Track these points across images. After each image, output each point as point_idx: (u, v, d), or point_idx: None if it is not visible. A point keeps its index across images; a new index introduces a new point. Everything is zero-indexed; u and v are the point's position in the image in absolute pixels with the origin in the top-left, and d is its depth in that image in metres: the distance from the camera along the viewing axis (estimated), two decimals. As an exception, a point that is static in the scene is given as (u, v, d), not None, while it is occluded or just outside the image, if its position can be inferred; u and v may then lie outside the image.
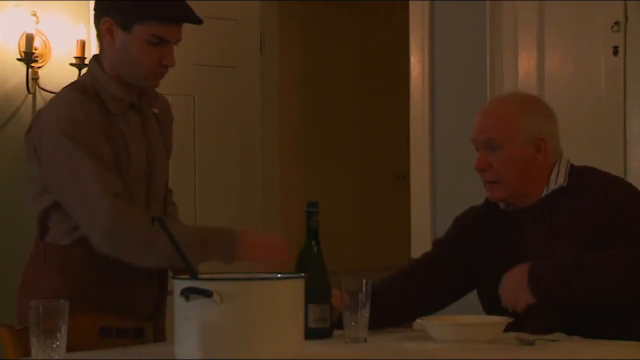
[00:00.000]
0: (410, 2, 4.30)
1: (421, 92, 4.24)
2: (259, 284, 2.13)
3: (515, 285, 2.50)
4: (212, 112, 4.85)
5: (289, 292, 2.12)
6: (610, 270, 2.49)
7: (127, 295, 2.58)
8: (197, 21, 2.65)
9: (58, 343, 2.08)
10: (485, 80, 4.07)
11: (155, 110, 2.75)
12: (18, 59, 4.47)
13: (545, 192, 2.63)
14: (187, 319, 2.06)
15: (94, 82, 2.63)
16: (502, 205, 2.71)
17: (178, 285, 2.07)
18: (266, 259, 2.49)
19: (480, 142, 2.64)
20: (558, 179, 2.63)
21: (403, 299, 2.71)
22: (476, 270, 2.70)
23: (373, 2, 5.64)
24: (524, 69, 4.01)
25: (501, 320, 2.47)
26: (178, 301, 2.06)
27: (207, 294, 2.01)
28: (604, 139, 3.76)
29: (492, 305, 2.61)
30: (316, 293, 2.45)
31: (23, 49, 4.46)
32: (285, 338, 2.09)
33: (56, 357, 2.08)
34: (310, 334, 2.35)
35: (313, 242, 2.55)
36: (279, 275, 2.23)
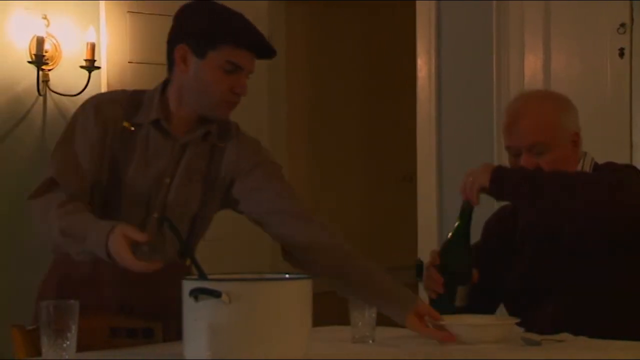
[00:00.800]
0: (417, 2, 4.31)
1: (427, 93, 4.25)
2: (268, 285, 2.15)
3: (478, 170, 2.53)
4: (220, 114, 4.86)
5: (297, 292, 2.13)
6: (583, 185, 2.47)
7: (131, 295, 2.59)
8: (270, 52, 2.64)
9: (68, 343, 2.10)
10: (491, 81, 4.08)
11: (220, 144, 2.69)
12: (29, 62, 4.49)
13: None
14: (196, 319, 2.07)
15: (149, 94, 2.65)
16: None
17: (187, 285, 2.08)
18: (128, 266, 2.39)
19: (524, 147, 2.62)
20: None
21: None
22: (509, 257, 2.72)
23: (380, 2, 5.65)
24: (530, 70, 4.01)
25: (509, 320, 2.48)
26: (187, 301, 2.07)
27: (215, 294, 2.03)
28: (610, 141, 3.74)
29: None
30: (465, 275, 2.57)
31: (34, 51, 4.48)
32: (293, 338, 2.10)
33: (66, 357, 2.10)
34: (452, 312, 2.51)
35: (466, 226, 2.58)
36: (287, 276, 2.25)
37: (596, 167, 2.68)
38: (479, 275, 2.64)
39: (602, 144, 3.77)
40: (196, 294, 2.05)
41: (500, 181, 2.47)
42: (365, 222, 5.64)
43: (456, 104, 4.20)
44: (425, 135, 4.25)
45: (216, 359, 2.04)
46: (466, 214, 2.57)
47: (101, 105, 2.61)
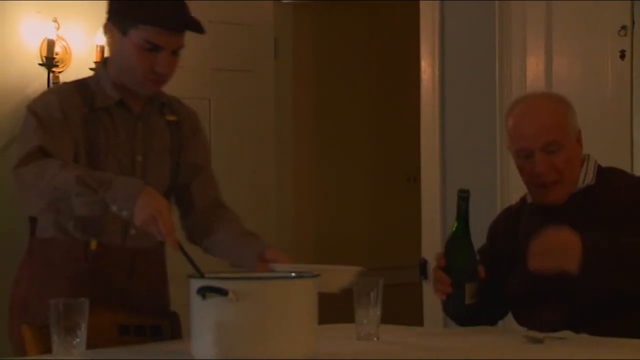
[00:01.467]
0: (420, 4, 4.32)
1: (431, 94, 4.25)
2: (274, 283, 2.16)
3: (562, 245, 2.40)
4: (227, 115, 4.89)
5: (304, 291, 2.13)
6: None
7: (103, 288, 2.57)
8: (198, 29, 2.61)
9: (78, 340, 2.11)
10: (494, 83, 4.08)
11: (171, 118, 2.72)
12: (40, 64, 4.51)
13: (575, 190, 2.63)
14: (203, 317, 2.08)
15: (93, 81, 2.65)
16: (529, 200, 2.71)
17: (194, 284, 2.09)
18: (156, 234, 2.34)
19: (538, 147, 2.60)
20: (586, 178, 2.63)
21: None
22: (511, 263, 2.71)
23: (384, 5, 5.66)
24: (532, 71, 4.01)
25: (352, 268, 2.45)
26: (194, 300, 2.08)
27: (223, 292, 2.04)
28: (611, 142, 3.73)
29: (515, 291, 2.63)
30: (471, 272, 2.57)
31: (44, 54, 4.50)
32: (299, 336, 2.11)
33: (76, 355, 2.11)
34: (465, 310, 2.52)
35: (465, 224, 2.59)
36: (294, 275, 2.26)
37: (600, 170, 2.67)
38: (486, 275, 2.64)
39: (603, 145, 3.76)
40: (203, 292, 2.06)
41: (589, 269, 2.40)
42: (369, 222, 5.65)
43: (459, 105, 4.21)
44: (429, 136, 4.26)
45: (223, 357, 2.05)
46: (463, 212, 2.58)
47: (61, 95, 2.58)
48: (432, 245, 4.14)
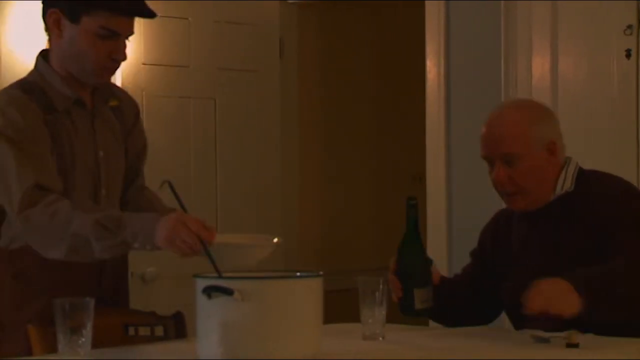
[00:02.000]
0: (426, 3, 4.32)
1: (437, 94, 4.26)
2: (280, 283, 2.17)
3: (554, 295, 2.34)
4: (232, 115, 4.89)
5: (309, 290, 2.14)
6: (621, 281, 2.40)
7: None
8: (149, 14, 2.52)
9: (84, 339, 2.11)
10: (499, 83, 4.07)
11: (113, 103, 2.64)
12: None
13: (552, 196, 2.62)
14: (209, 317, 2.09)
15: (39, 79, 2.54)
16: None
17: (200, 283, 2.10)
18: (181, 248, 2.28)
19: (496, 157, 2.61)
20: (565, 184, 2.62)
21: (460, 309, 2.73)
22: (501, 266, 2.71)
23: (390, 5, 5.66)
24: (537, 71, 4.01)
25: (267, 241, 2.43)
26: (200, 299, 2.09)
27: (228, 292, 2.04)
28: (617, 142, 3.73)
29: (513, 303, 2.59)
30: (419, 278, 2.60)
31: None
32: (304, 336, 2.12)
33: (82, 354, 2.11)
34: (417, 314, 2.56)
35: (413, 231, 2.64)
36: (299, 274, 2.27)
37: (580, 174, 2.64)
38: (442, 278, 2.69)
39: (608, 144, 3.78)
40: (209, 291, 2.07)
41: (588, 310, 2.34)
42: (375, 222, 5.65)
43: (465, 105, 4.21)
44: (435, 136, 4.26)
45: (228, 357, 2.06)
46: (412, 219, 2.63)
47: (19, 106, 2.46)
48: (437, 245, 4.14)
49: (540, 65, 4.00)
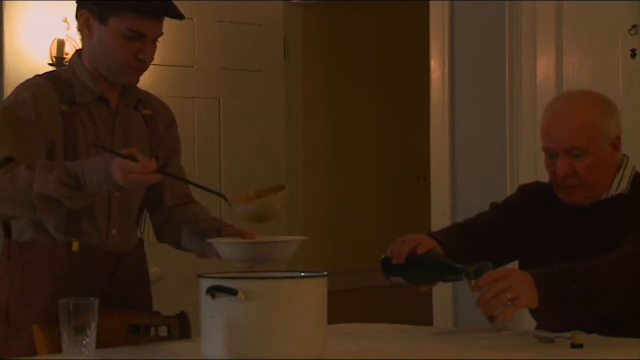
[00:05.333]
0: (430, 3, 4.32)
1: (441, 94, 4.26)
2: (283, 283, 2.16)
3: (513, 284, 2.29)
4: (237, 115, 4.89)
5: (313, 290, 2.14)
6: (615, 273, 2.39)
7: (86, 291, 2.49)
8: (178, 15, 2.55)
9: (88, 340, 2.12)
10: (504, 82, 4.08)
11: (145, 112, 2.67)
12: (49, 64, 4.52)
13: (606, 195, 2.60)
14: (213, 317, 2.09)
15: (69, 73, 2.58)
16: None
17: (204, 283, 2.10)
18: (141, 183, 2.34)
19: (562, 149, 2.56)
20: (620, 185, 2.60)
21: (454, 258, 2.55)
22: (522, 243, 2.67)
23: (395, 5, 5.66)
24: (542, 71, 4.01)
25: (295, 238, 2.45)
26: (204, 299, 2.09)
27: (232, 292, 2.04)
28: (624, 142, 3.73)
29: None
30: (414, 281, 2.54)
31: (54, 54, 4.51)
32: (309, 337, 2.12)
33: (86, 354, 2.11)
34: (390, 280, 2.53)
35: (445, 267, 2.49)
36: (303, 274, 2.26)
37: (636, 177, 2.61)
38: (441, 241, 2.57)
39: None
40: (213, 291, 2.07)
41: (549, 299, 2.31)
42: (379, 222, 5.65)
43: (469, 105, 4.21)
44: (439, 136, 4.27)
45: (232, 357, 2.06)
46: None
47: (36, 94, 2.51)
48: (441, 245, 4.14)
49: (544, 65, 4.00)
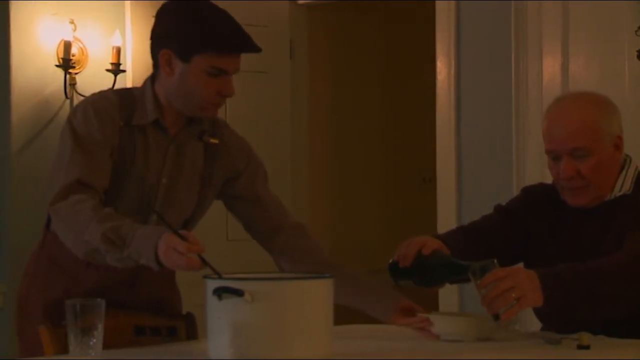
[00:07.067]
0: (436, 3, 4.33)
1: (447, 95, 4.26)
2: (290, 284, 2.17)
3: (518, 283, 2.28)
4: (243, 117, 4.89)
5: (319, 292, 2.14)
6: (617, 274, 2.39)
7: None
8: (256, 49, 2.60)
9: (95, 341, 2.12)
10: (510, 83, 4.08)
11: (213, 141, 2.67)
12: (56, 65, 4.53)
13: (609, 196, 2.59)
14: (219, 318, 2.09)
15: (138, 93, 2.62)
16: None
17: (210, 284, 2.10)
18: (181, 266, 2.27)
19: (566, 151, 2.56)
20: (624, 186, 2.59)
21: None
22: (526, 245, 2.67)
23: (400, 6, 5.67)
24: (548, 72, 4.01)
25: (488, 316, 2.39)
26: (210, 300, 2.09)
27: (238, 293, 2.05)
28: (628, 142, 3.73)
29: None
30: (418, 281, 2.55)
31: (61, 55, 4.52)
32: (315, 338, 2.12)
33: (93, 355, 2.11)
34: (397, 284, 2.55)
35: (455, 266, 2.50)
36: (309, 276, 2.27)
37: (639, 178, 2.61)
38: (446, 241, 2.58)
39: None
40: (219, 292, 2.08)
41: (554, 298, 2.31)
42: (384, 224, 5.66)
43: (475, 106, 4.21)
44: (445, 137, 4.27)
45: (239, 358, 2.06)
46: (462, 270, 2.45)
47: (99, 109, 2.55)
48: (447, 246, 4.14)
49: (550, 66, 4.00)
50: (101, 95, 2.63)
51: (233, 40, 2.56)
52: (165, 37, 2.57)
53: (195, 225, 2.73)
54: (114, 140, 2.55)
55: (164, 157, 2.61)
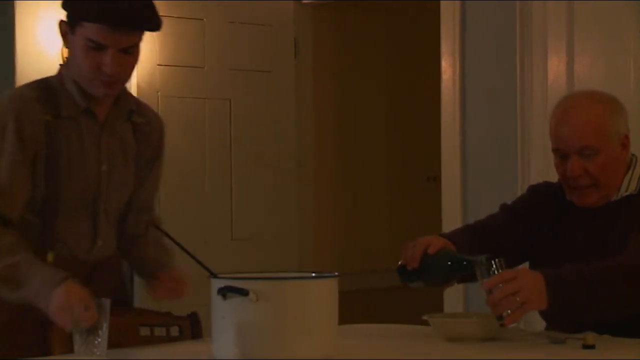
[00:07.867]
0: (441, 3, 4.33)
1: (452, 94, 4.26)
2: (295, 283, 2.17)
3: (523, 287, 2.27)
4: (247, 116, 4.90)
5: (324, 291, 2.14)
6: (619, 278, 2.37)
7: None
8: (148, 27, 2.46)
9: (100, 340, 2.13)
10: (515, 83, 4.07)
11: (140, 119, 2.61)
12: (61, 65, 4.53)
13: (615, 196, 2.59)
14: (224, 317, 2.09)
15: (57, 83, 2.53)
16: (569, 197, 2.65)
17: (215, 284, 2.10)
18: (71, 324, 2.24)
19: (573, 150, 2.55)
20: (630, 186, 2.58)
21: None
22: (532, 244, 2.66)
23: (405, 5, 5.66)
24: (553, 72, 4.01)
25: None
26: (215, 300, 2.09)
27: (243, 292, 2.05)
28: (633, 143, 3.73)
29: None
30: (428, 281, 2.55)
31: (66, 55, 4.53)
32: (320, 337, 2.12)
33: (98, 354, 2.13)
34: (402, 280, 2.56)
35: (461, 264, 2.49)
36: (313, 275, 2.26)
37: None
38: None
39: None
40: (224, 292, 2.07)
41: (559, 300, 2.31)
42: (389, 222, 5.66)
43: (480, 105, 4.21)
44: (450, 136, 4.27)
45: (244, 357, 2.06)
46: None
47: (17, 111, 2.45)
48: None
49: (556, 66, 3.99)
50: (18, 95, 2.52)
51: (110, 13, 2.38)
52: (63, 8, 2.48)
53: (145, 208, 2.70)
54: (39, 136, 2.46)
55: (98, 144, 2.53)
